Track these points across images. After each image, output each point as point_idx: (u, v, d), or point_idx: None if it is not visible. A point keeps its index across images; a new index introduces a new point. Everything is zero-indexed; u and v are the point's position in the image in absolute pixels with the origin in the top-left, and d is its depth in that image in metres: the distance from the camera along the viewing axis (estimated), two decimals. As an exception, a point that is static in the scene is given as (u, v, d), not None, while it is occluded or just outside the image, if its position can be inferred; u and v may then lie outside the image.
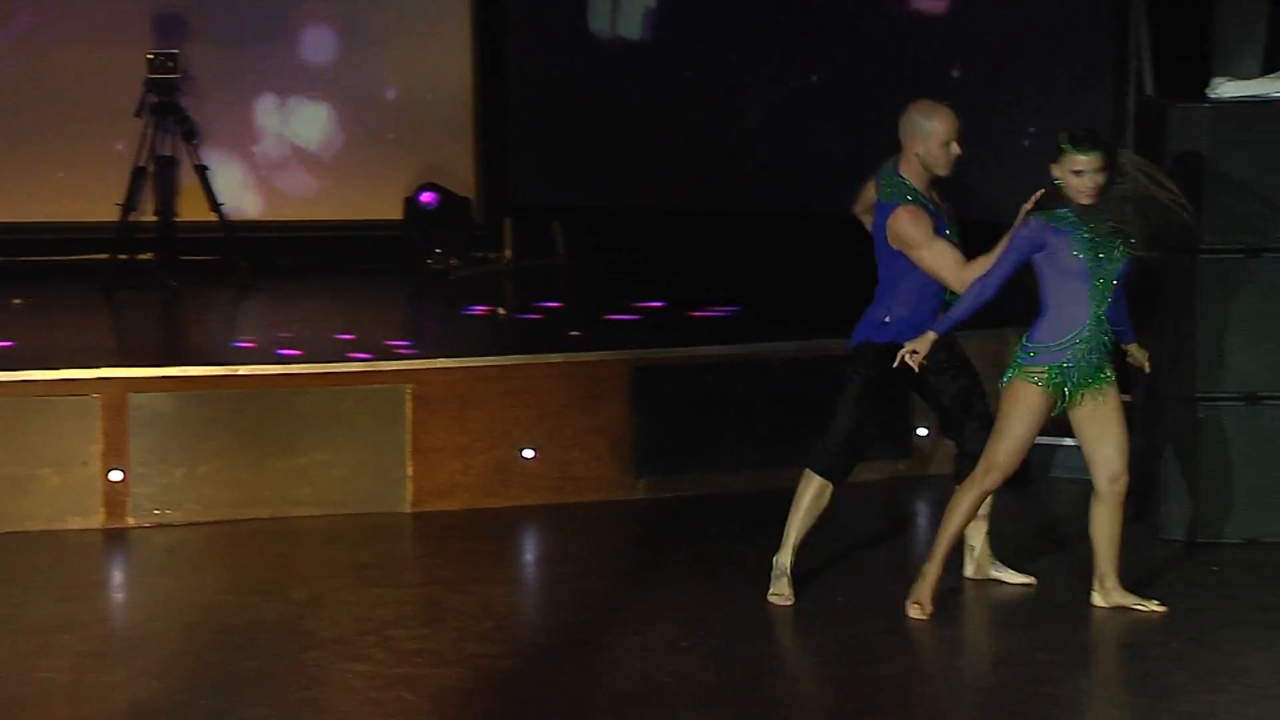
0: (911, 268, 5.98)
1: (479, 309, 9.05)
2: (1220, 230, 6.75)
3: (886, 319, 6.03)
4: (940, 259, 5.90)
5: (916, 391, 6.27)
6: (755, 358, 7.78)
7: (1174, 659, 5.60)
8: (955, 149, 5.98)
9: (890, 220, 5.97)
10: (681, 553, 6.80)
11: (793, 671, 5.52)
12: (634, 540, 7.06)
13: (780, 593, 6.03)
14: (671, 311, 8.83)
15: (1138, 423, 7.26)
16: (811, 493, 6.06)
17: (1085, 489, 7.66)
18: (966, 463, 6.04)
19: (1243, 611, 6.02)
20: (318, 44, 10.48)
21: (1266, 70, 7.64)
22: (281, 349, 7.76)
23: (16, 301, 9.23)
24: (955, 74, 9.18)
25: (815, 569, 6.48)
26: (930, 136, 5.95)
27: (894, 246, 5.98)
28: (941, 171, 5.99)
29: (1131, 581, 6.11)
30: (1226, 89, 6.83)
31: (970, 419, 6.10)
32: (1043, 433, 7.84)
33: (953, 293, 5.97)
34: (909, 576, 6.04)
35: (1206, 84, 6.94)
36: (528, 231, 10.68)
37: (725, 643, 5.76)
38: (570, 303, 9.30)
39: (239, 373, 7.24)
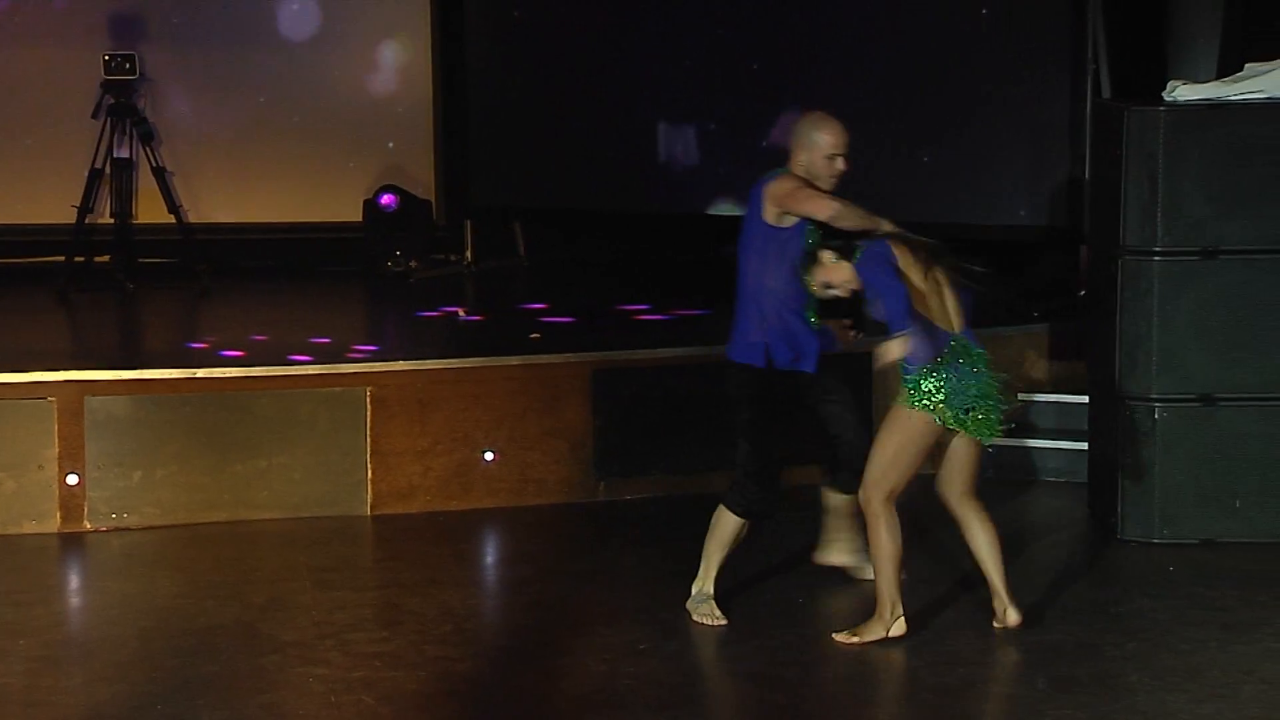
0: (776, 283, 5.89)
1: (438, 311, 9.03)
2: (1175, 232, 6.80)
3: (760, 339, 5.93)
4: (823, 200, 5.76)
5: (811, 412, 6.16)
6: (715, 360, 7.76)
7: (1130, 659, 5.63)
8: (840, 164, 5.88)
9: (770, 185, 5.87)
10: (642, 555, 6.81)
11: (749, 672, 5.52)
12: (595, 542, 7.06)
13: (709, 614, 5.93)
14: (632, 313, 8.83)
15: (1094, 424, 7.32)
16: (732, 530, 5.97)
17: (1041, 489, 7.73)
18: (846, 473, 6.07)
19: (1198, 612, 6.06)
20: (277, 47, 10.45)
21: (1221, 74, 7.70)
22: (240, 351, 7.73)
23: (-29, 304, 9.20)
24: (923, 84, 9.20)
25: (778, 567, 6.50)
26: (815, 148, 5.87)
27: (774, 216, 5.84)
28: (823, 185, 5.85)
29: (1092, 581, 6.13)
30: (1182, 92, 6.87)
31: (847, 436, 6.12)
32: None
33: (817, 316, 5.99)
34: (863, 583, 6.06)
35: (1163, 87, 6.98)
36: (488, 233, 10.69)
37: (685, 644, 5.78)
38: (530, 305, 9.29)
39: (197, 376, 7.21)
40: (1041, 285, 8.95)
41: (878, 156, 9.34)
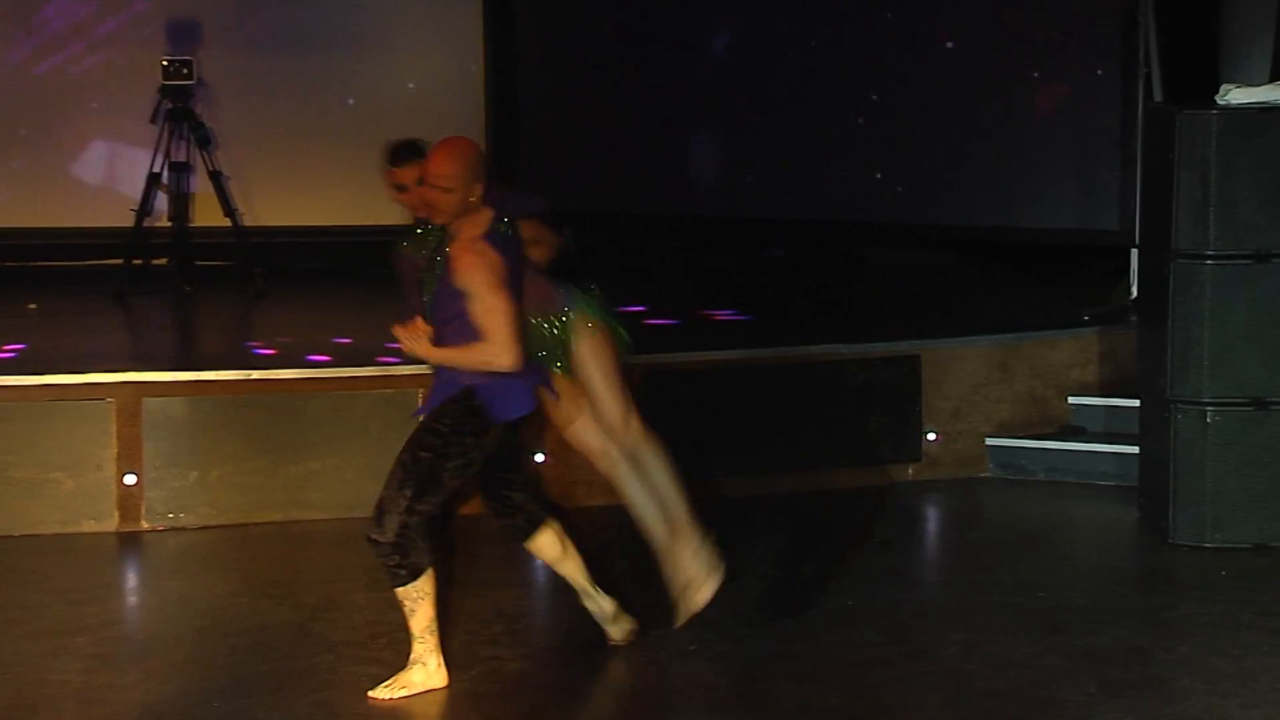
0: None
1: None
2: (1227, 236, 6.74)
3: None
4: None
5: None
6: (764, 362, 7.76)
7: (1181, 663, 5.58)
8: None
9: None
10: (691, 556, 6.79)
11: (799, 673, 5.50)
12: (642, 544, 7.04)
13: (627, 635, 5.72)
14: (682, 317, 8.81)
15: (1145, 428, 7.26)
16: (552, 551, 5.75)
17: (1092, 493, 7.67)
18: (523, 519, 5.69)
19: (1249, 616, 6.00)
20: (332, 51, 10.49)
21: (1275, 77, 7.63)
22: (294, 353, 7.76)
23: (31, 306, 9.26)
24: (973, 86, 9.16)
25: (823, 572, 6.48)
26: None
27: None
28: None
29: (1142, 585, 6.08)
30: (1235, 95, 6.81)
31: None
32: (1045, 435, 7.91)
33: None
34: (917, 580, 6.04)
35: (1215, 91, 6.92)
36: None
37: (734, 646, 5.76)
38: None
39: (252, 377, 7.24)
40: (1092, 289, 8.89)
41: (929, 158, 9.32)
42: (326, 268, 10.34)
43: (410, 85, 10.63)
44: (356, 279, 10.13)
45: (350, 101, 10.61)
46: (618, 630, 5.70)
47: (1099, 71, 8.68)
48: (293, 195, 10.56)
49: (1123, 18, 8.57)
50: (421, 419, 5.34)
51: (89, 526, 7.07)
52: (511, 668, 5.56)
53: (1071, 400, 8.03)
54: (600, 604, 5.68)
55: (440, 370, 5.39)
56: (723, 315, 8.76)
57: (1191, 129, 6.76)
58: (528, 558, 7.10)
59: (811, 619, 6.00)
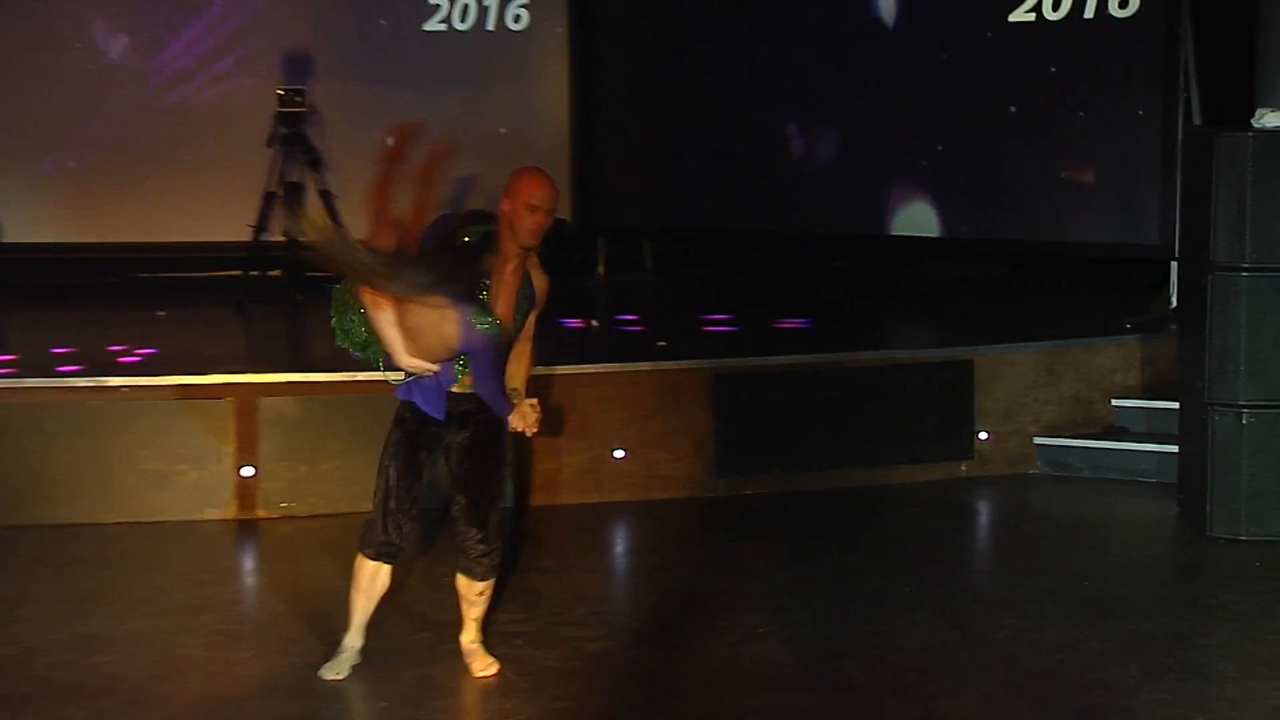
0: None
1: (573, 321, 9.03)
2: (1262, 250, 6.63)
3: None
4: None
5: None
6: (828, 366, 7.71)
7: (1218, 648, 5.49)
8: (541, 217, 5.11)
9: None
10: (759, 545, 6.75)
11: (862, 654, 5.45)
12: (716, 533, 7.01)
13: (338, 670, 5.24)
14: (750, 323, 8.78)
15: (1184, 429, 7.15)
16: (367, 576, 5.24)
17: (1134, 489, 7.57)
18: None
19: (1283, 604, 5.90)
20: (431, 83, 10.51)
21: (1308, 102, 7.51)
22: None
23: (160, 314, 9.34)
24: (1011, 109, 9.08)
25: (883, 564, 6.43)
26: (516, 196, 5.10)
27: None
28: (521, 235, 5.10)
29: (1182, 575, 5.98)
30: (1270, 119, 6.70)
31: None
32: (1090, 435, 7.81)
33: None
34: (970, 569, 5.96)
35: (1251, 114, 6.81)
36: (619, 251, 10.68)
37: (801, 629, 5.72)
38: (657, 315, 9.27)
39: (358, 379, 7.25)
40: (1134, 299, 8.80)
41: (983, 178, 9.27)
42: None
43: (500, 118, 10.64)
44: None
45: (444, 131, 10.61)
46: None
47: (1142, 96, 8.60)
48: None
49: (1164, 47, 8.49)
50: (488, 430, 5.11)
51: (210, 514, 7.12)
52: (593, 648, 5.54)
53: (1115, 402, 7.94)
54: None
55: (484, 381, 5.01)
56: (791, 323, 8.71)
57: (1229, 150, 6.66)
58: (608, 545, 7.11)
59: (873, 604, 5.94)
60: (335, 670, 5.24)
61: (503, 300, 5.10)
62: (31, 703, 5.06)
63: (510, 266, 5.13)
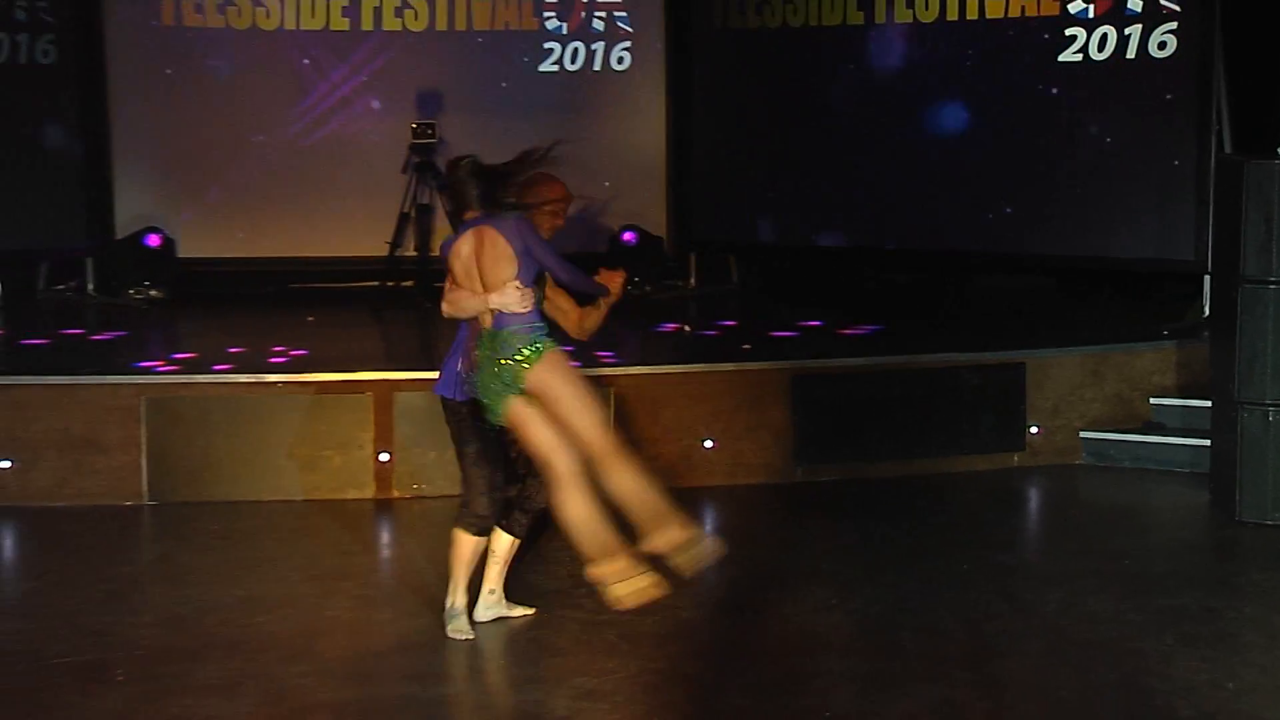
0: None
1: (668, 327, 9.07)
2: (1289, 264, 6.55)
3: (449, 372, 5.25)
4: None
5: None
6: (894, 367, 7.69)
7: (1247, 621, 5.42)
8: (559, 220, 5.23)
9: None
10: (832, 527, 6.74)
11: (923, 626, 5.44)
12: (792, 516, 7.02)
13: (460, 629, 5.27)
14: (825, 330, 8.76)
15: (1215, 424, 7.05)
16: (471, 550, 5.29)
17: (1170, 479, 7.47)
18: (518, 515, 5.36)
19: (1306, 583, 5.81)
20: (545, 115, 10.56)
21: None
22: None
23: (310, 319, 9.45)
24: (1071, 135, 9.00)
25: (942, 544, 6.40)
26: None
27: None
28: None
29: (1213, 555, 5.91)
30: (1295, 148, 6.62)
31: (533, 476, 5.24)
32: (1130, 430, 7.72)
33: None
34: (1021, 549, 5.93)
35: (1278, 144, 6.72)
36: (708, 264, 10.69)
37: (869, 602, 5.71)
38: (742, 322, 9.27)
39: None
40: (1170, 309, 8.69)
41: (1032, 198, 9.19)
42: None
43: (604, 147, 10.68)
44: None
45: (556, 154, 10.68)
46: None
47: (1178, 127, 8.50)
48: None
49: (1198, 83, 8.39)
50: None
51: (352, 494, 7.18)
52: (685, 615, 5.56)
53: (1153, 401, 7.84)
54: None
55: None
56: (860, 330, 8.68)
57: (1258, 176, 6.57)
58: (698, 525, 7.11)
59: (933, 580, 5.92)
60: (461, 632, 5.28)
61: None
62: (202, 655, 5.17)
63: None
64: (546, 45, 10.67)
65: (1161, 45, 8.60)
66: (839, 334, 8.60)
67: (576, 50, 10.71)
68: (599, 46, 10.72)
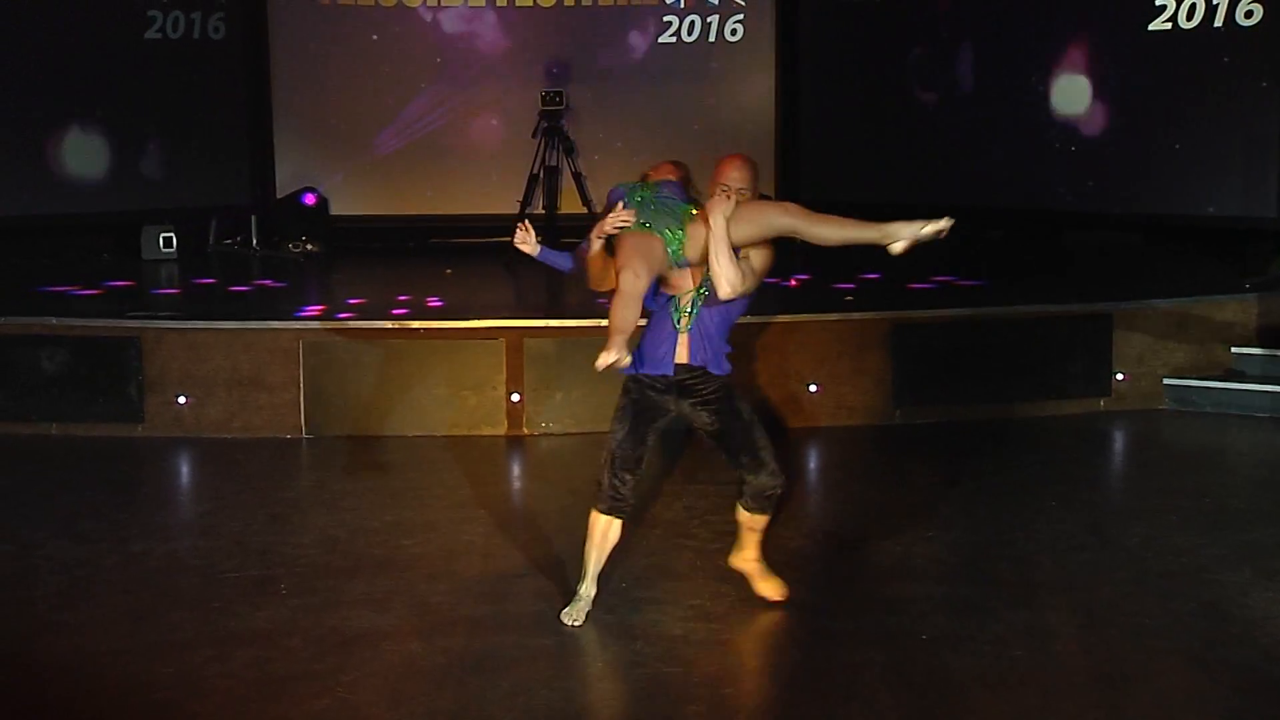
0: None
1: (781, 281, 9.02)
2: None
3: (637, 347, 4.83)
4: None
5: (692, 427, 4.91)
6: (988, 317, 7.59)
7: (1322, 559, 5.29)
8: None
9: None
10: (929, 465, 6.70)
11: (1014, 555, 5.40)
12: (892, 455, 6.98)
13: (569, 614, 4.82)
14: (926, 281, 8.66)
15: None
16: (600, 531, 4.88)
17: (1249, 423, 7.27)
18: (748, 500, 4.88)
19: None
20: (664, 83, 10.55)
21: None
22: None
23: (448, 271, 9.57)
24: (1159, 102, 8.76)
25: (1032, 482, 6.33)
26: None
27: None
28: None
29: None
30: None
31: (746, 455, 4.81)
32: (1212, 377, 7.56)
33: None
34: (1107, 486, 5.84)
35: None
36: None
37: (961, 533, 5.68)
38: (846, 275, 9.19)
39: (601, 325, 7.34)
40: (1252, 263, 8.45)
41: (1127, 160, 8.99)
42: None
43: (719, 111, 10.63)
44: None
45: (672, 123, 10.68)
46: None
47: (1264, 91, 8.23)
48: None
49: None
50: (719, 393, 4.74)
51: (486, 431, 7.28)
52: (793, 545, 5.56)
53: (1234, 350, 7.66)
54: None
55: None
56: (961, 282, 8.57)
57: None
58: (804, 462, 7.12)
59: (1023, 514, 5.87)
60: (573, 616, 4.80)
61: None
62: (355, 573, 5.30)
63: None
64: (665, 19, 10.64)
65: (1249, 14, 8.33)
66: (943, 286, 8.47)
67: (693, 23, 10.66)
68: (714, 19, 10.65)
